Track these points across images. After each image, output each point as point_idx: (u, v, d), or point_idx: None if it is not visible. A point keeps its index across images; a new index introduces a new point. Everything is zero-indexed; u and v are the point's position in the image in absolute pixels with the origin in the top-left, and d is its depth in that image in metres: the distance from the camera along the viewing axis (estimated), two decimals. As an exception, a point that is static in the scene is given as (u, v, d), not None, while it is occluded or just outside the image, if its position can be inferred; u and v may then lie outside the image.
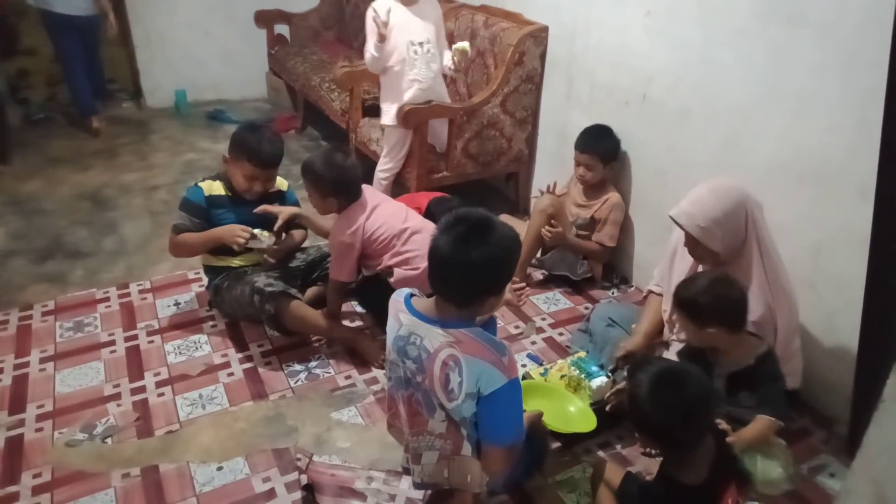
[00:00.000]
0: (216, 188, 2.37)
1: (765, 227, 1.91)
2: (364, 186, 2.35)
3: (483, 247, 1.38)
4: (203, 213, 2.34)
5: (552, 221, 2.69)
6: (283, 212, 2.38)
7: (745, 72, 2.21)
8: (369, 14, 2.91)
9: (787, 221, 2.13)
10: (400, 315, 1.54)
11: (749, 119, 2.23)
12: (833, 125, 1.97)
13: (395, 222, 2.29)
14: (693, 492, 1.45)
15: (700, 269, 2.01)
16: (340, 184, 2.23)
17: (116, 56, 4.87)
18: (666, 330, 2.12)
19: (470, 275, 1.39)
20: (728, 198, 1.86)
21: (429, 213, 2.72)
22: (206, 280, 2.61)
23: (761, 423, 1.73)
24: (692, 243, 1.92)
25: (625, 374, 2.03)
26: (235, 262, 2.44)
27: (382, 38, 2.86)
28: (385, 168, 3.19)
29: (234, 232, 2.28)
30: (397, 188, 3.20)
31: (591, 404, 1.97)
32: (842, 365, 2.07)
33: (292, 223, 2.46)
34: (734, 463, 1.53)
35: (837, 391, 2.10)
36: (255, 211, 2.35)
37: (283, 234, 2.45)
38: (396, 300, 1.57)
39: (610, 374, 2.05)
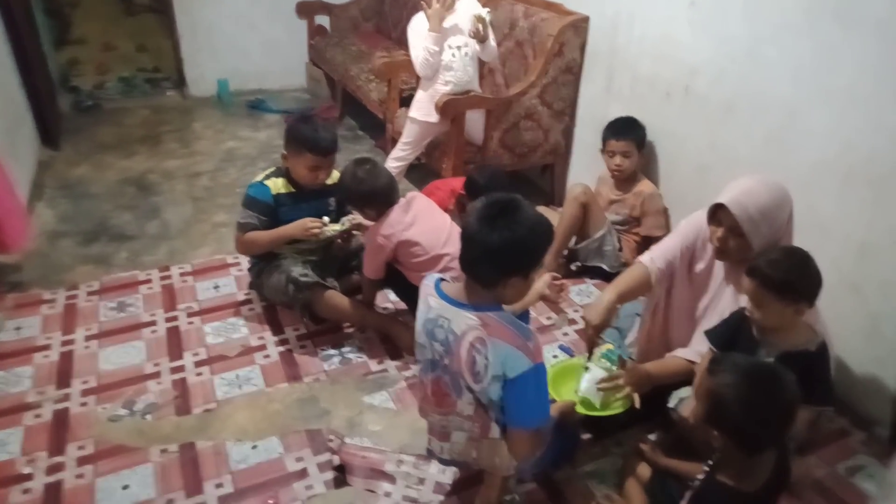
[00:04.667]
0: (280, 186, 2.40)
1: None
2: (414, 194, 2.36)
3: (508, 227, 1.41)
4: (271, 211, 2.37)
5: None
6: (356, 218, 2.43)
7: (792, 68, 2.15)
8: (415, 27, 2.98)
9: (831, 222, 2.08)
10: (429, 299, 1.56)
11: (795, 117, 2.17)
12: (883, 125, 1.92)
13: (435, 243, 2.24)
14: (751, 498, 1.40)
15: (723, 273, 1.91)
16: (370, 196, 2.26)
17: (162, 46, 4.98)
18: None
19: (494, 254, 1.42)
20: (777, 191, 1.78)
21: (471, 181, 2.71)
22: (245, 264, 2.66)
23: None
24: (729, 235, 1.79)
25: (611, 357, 1.91)
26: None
27: (439, 24, 2.88)
28: (396, 157, 3.22)
29: (306, 225, 2.31)
30: (433, 176, 3.21)
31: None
32: (884, 368, 2.03)
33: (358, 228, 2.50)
34: (789, 472, 1.48)
35: (879, 394, 2.05)
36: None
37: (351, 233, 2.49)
38: (427, 284, 1.60)
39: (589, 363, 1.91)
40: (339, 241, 2.50)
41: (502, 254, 1.42)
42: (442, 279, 1.59)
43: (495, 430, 1.54)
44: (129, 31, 4.97)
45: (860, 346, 2.08)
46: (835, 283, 1.92)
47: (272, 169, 2.46)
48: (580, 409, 1.82)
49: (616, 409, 1.80)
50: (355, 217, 2.40)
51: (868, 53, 1.92)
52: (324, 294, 2.36)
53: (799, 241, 1.83)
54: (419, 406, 1.76)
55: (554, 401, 1.77)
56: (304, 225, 2.32)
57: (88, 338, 2.38)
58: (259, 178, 2.42)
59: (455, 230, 2.30)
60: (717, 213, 1.82)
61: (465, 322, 1.46)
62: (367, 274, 2.37)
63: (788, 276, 1.61)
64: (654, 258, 1.98)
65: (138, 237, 3.05)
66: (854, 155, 2.01)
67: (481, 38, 2.99)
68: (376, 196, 2.25)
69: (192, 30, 4.64)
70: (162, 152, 3.94)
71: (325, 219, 2.35)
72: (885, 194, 1.94)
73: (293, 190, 2.41)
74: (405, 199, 2.30)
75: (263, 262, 2.47)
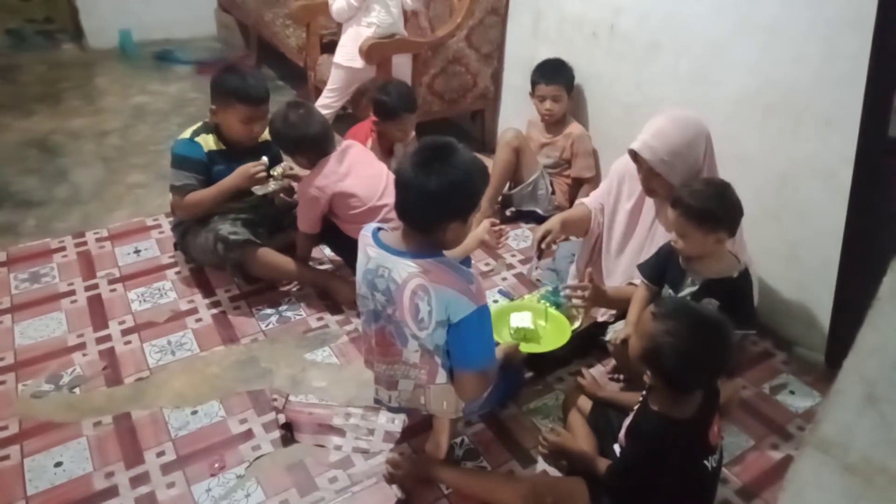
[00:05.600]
0: (212, 143, 2.25)
1: (715, 158, 1.91)
2: (349, 142, 2.28)
3: (444, 171, 1.39)
4: (206, 169, 2.23)
5: None
6: (291, 168, 2.34)
7: (715, 3, 2.18)
8: None
9: (753, 154, 2.16)
10: (368, 249, 1.54)
11: (719, 52, 2.21)
12: (801, 56, 1.97)
13: (372, 194, 2.18)
14: (684, 424, 1.45)
15: (654, 209, 1.99)
16: (301, 143, 2.16)
17: (53, -7, 4.58)
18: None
19: (432, 199, 1.40)
20: (689, 128, 1.84)
21: (379, 103, 2.58)
22: (166, 225, 2.52)
23: None
24: (649, 176, 1.87)
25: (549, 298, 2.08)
26: None
27: None
28: (321, 104, 3.10)
29: (249, 171, 2.19)
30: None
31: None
32: (803, 292, 2.15)
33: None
34: (718, 396, 1.56)
35: (798, 317, 2.18)
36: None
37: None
38: (365, 235, 1.57)
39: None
40: (283, 195, 2.39)
41: (440, 198, 1.40)
42: (380, 228, 1.56)
43: (442, 376, 1.55)
44: (12, -24, 4.53)
45: (781, 272, 2.19)
46: (757, 212, 2.00)
47: (199, 124, 2.30)
48: (524, 348, 1.85)
49: (559, 341, 1.88)
50: (288, 164, 2.31)
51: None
52: (256, 252, 2.27)
53: (723, 172, 1.89)
54: (364, 357, 1.74)
55: (497, 343, 1.79)
56: (247, 171, 2.20)
57: (0, 312, 2.22)
58: (186, 135, 2.27)
59: (391, 180, 2.24)
60: (637, 156, 1.87)
61: (405, 270, 1.45)
62: (302, 228, 2.29)
63: (708, 204, 1.67)
64: (590, 202, 2.15)
65: (47, 203, 2.84)
66: (774, 87, 2.07)
67: None
68: (308, 143, 2.16)
69: (86, -26, 4.27)
70: (64, 111, 3.65)
71: (265, 158, 2.23)
72: (803, 125, 2.01)
73: (224, 148, 2.27)
74: (340, 148, 2.22)
75: (189, 220, 2.34)
